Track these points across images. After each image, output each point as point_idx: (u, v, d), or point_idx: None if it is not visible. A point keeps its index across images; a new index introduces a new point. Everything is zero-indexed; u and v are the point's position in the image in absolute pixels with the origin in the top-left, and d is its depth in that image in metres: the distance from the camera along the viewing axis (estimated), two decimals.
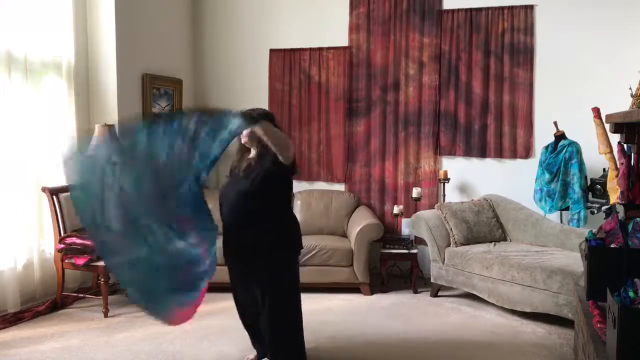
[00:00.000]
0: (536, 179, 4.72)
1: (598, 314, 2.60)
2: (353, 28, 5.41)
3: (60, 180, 4.48)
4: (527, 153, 5.03)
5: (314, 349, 3.48)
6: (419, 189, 5.09)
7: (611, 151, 3.49)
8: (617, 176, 3.28)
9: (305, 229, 5.01)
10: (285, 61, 5.57)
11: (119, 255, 2.57)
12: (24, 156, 4.23)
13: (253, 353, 3.28)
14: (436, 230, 4.57)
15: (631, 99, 3.02)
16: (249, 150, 3.09)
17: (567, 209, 4.53)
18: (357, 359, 3.44)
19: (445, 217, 4.60)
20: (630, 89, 3.08)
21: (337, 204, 5.25)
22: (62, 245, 4.16)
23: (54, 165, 4.09)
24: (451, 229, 4.57)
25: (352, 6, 5.40)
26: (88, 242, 4.07)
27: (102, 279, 4.09)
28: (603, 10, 4.78)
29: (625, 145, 3.16)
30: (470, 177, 5.22)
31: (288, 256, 3.03)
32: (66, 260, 4.17)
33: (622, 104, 3.28)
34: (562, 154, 4.49)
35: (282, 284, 2.98)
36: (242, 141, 3.03)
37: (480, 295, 4.28)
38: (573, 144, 4.48)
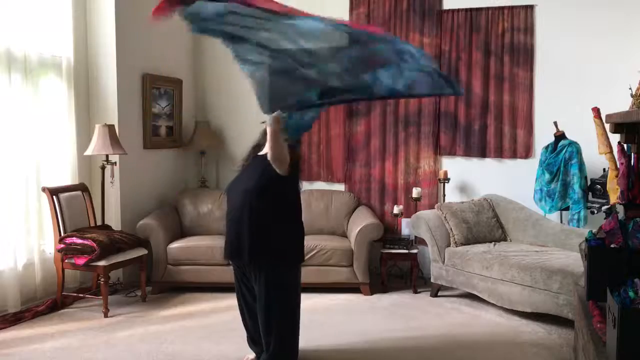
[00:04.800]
0: (536, 179, 4.72)
1: (598, 314, 2.59)
2: None
3: (60, 180, 4.51)
4: (527, 153, 5.03)
5: (314, 349, 3.48)
6: (419, 189, 5.09)
7: (611, 151, 3.49)
8: (617, 176, 3.28)
9: (305, 229, 5.01)
10: None
11: None
12: (24, 156, 4.23)
13: (253, 354, 3.28)
14: (436, 230, 4.57)
15: (631, 99, 3.02)
16: (262, 146, 3.08)
17: (567, 209, 4.53)
18: (357, 359, 3.45)
19: (445, 217, 4.60)
20: (630, 89, 3.08)
21: (337, 204, 5.24)
22: (62, 245, 4.16)
23: None
24: (451, 229, 4.57)
25: (352, 6, 5.40)
26: (88, 242, 4.08)
27: (102, 279, 4.09)
28: (603, 10, 4.77)
29: (625, 145, 3.16)
30: (470, 177, 5.22)
31: (278, 266, 2.94)
32: (66, 260, 4.17)
33: (622, 104, 3.28)
34: (562, 154, 4.49)
35: (269, 290, 2.92)
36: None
37: (480, 295, 4.28)
38: (573, 144, 4.48)
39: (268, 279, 2.91)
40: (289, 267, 3.01)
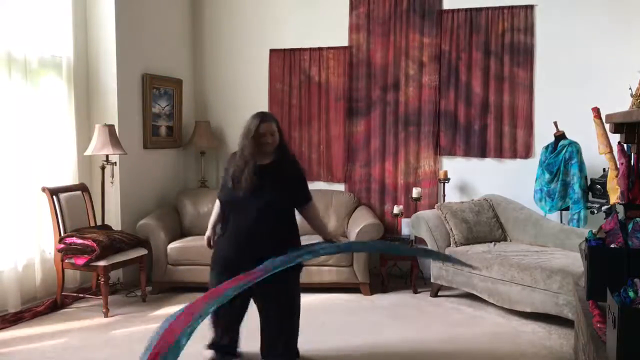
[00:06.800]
0: (536, 179, 4.72)
1: (598, 314, 2.59)
2: (353, 28, 5.41)
3: (60, 180, 4.50)
4: (527, 153, 5.03)
5: (314, 349, 3.48)
6: (419, 189, 5.09)
7: (611, 151, 3.49)
8: (617, 176, 3.28)
9: (305, 228, 5.02)
10: (285, 61, 5.57)
11: None
12: (24, 156, 4.23)
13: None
14: (436, 230, 4.57)
15: (631, 99, 3.02)
16: (264, 156, 3.08)
17: (567, 209, 4.53)
18: (357, 359, 3.44)
19: (445, 217, 4.60)
20: (630, 89, 3.07)
21: (337, 204, 5.24)
22: (62, 245, 4.16)
23: None
24: (451, 229, 4.57)
25: (352, 6, 5.40)
26: (88, 242, 4.08)
27: (102, 279, 4.08)
28: (603, 10, 4.77)
29: (625, 145, 3.16)
30: (470, 177, 5.22)
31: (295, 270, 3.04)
32: (66, 260, 4.17)
33: (622, 104, 3.28)
34: (562, 154, 4.48)
35: (286, 296, 3.08)
36: (268, 150, 3.05)
37: (480, 295, 4.28)
38: (573, 144, 4.48)
39: (289, 284, 3.08)
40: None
